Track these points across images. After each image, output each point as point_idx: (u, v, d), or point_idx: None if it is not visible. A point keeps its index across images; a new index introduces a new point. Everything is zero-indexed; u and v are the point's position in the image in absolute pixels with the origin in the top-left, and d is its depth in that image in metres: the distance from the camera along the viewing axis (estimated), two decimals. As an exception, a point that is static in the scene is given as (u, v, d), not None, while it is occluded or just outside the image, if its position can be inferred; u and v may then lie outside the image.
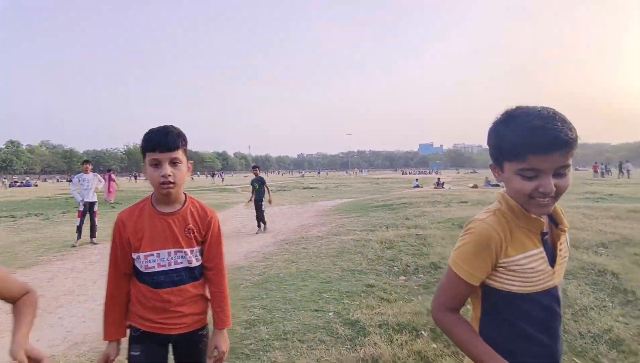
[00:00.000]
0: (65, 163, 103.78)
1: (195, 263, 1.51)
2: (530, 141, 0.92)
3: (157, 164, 1.43)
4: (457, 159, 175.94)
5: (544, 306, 1.02)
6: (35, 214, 12.75)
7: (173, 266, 1.47)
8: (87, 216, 7.81)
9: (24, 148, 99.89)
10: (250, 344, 2.97)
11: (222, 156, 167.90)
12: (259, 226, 9.36)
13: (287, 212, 12.95)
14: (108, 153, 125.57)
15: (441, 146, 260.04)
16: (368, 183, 35.13)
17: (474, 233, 1.03)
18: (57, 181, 59.03)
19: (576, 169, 71.52)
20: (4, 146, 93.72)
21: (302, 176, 75.86)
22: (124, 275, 1.50)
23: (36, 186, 43.72)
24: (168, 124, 1.50)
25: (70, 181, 10.37)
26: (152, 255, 1.46)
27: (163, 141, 1.41)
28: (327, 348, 2.83)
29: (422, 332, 2.98)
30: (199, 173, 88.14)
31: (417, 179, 29.00)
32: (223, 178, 51.58)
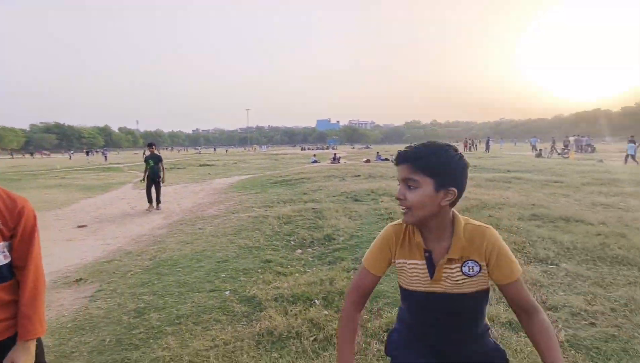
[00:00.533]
0: None
1: (3, 261, 1.30)
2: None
3: None
4: (353, 135, 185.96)
5: (424, 304, 1.28)
6: None
7: None
8: None
9: None
10: (140, 333, 2.80)
11: (105, 132, 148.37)
12: (150, 203, 8.99)
13: (182, 191, 12.24)
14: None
15: (338, 122, 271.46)
16: (267, 159, 35.03)
17: (382, 233, 1.34)
18: None
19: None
20: None
21: (199, 153, 71.88)
22: None
23: None
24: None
25: None
26: None
27: None
28: (222, 327, 2.83)
29: (315, 300, 3.18)
30: (72, 151, 75.84)
31: (314, 155, 29.93)
32: (106, 156, 45.73)
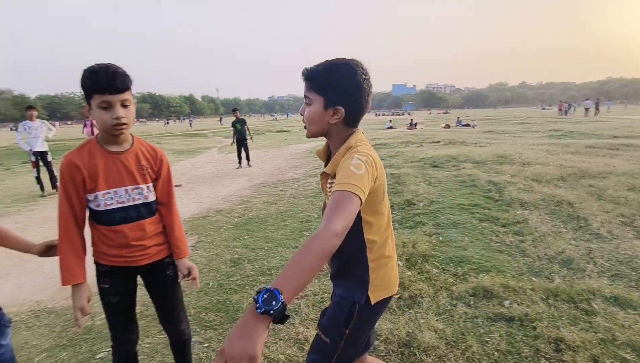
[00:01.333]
0: (18, 110, 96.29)
1: (151, 198, 1.57)
2: None
3: (107, 106, 1.38)
4: (430, 99, 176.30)
5: None
6: (-6, 165, 12.08)
7: (132, 203, 1.51)
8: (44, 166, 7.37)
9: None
10: (237, 280, 3.11)
11: (190, 100, 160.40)
12: (240, 163, 10.10)
13: (262, 156, 12.87)
14: (64, 98, 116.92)
15: (414, 86, 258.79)
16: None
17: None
18: (12, 129, 55.25)
19: (543, 108, 73.77)
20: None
21: (275, 119, 74.43)
22: (79, 218, 1.47)
23: (-12, 135, 40.72)
24: (109, 63, 1.40)
25: (16, 129, 9.58)
26: (110, 193, 1.47)
27: (113, 82, 1.36)
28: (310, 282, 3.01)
29: (399, 262, 3.20)
30: (168, 119, 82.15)
31: (390, 121, 29.14)
32: (191, 123, 49.77)
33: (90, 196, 1.46)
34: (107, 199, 1.46)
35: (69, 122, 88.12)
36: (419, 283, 2.81)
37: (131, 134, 1.55)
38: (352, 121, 1.23)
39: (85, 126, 16.95)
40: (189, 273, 1.66)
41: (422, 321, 2.35)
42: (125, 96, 1.41)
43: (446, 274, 2.98)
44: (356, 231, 1.21)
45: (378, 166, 1.16)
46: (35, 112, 7.34)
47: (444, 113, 68.78)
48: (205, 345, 2.28)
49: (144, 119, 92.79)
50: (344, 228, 0.96)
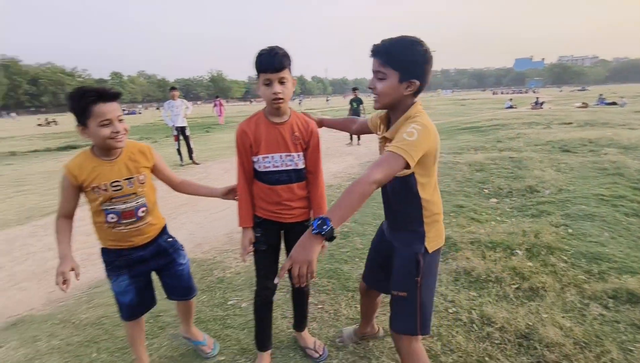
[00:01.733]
0: (161, 92, 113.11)
1: (300, 165, 1.78)
2: None
3: (268, 83, 1.62)
4: (562, 75, 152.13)
5: None
6: (146, 138, 14.52)
7: (284, 168, 1.75)
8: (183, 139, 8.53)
9: (126, 78, 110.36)
10: (347, 252, 3.26)
11: (300, 80, 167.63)
12: (351, 139, 10.87)
13: (372, 135, 12.88)
14: (195, 81, 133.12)
15: (542, 60, 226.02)
16: (452, 104, 32.78)
17: None
18: (157, 108, 65.41)
19: None
20: (109, 78, 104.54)
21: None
22: (248, 175, 1.79)
23: (140, 113, 49.06)
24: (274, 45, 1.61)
25: (159, 108, 11.27)
26: (268, 157, 1.73)
27: (272, 63, 1.58)
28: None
29: (517, 251, 2.96)
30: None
31: (510, 100, 26.18)
32: (301, 102, 52.33)
33: (254, 159, 1.75)
34: (266, 162, 1.74)
35: (198, 102, 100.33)
36: (542, 275, 2.57)
37: (290, 108, 1.78)
38: (418, 93, 1.37)
39: (215, 105, 20.24)
40: None
41: (545, 315, 2.16)
42: (283, 74, 1.61)
43: (576, 270, 2.66)
44: (414, 191, 1.39)
45: (432, 135, 1.29)
46: (177, 93, 8.53)
47: (579, 90, 58.90)
48: (319, 306, 2.48)
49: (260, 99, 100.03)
50: (382, 179, 1.20)
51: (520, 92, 67.35)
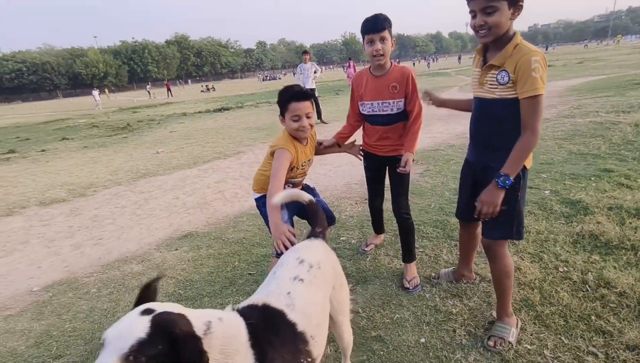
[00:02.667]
0: (298, 58, 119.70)
1: (395, 111, 2.10)
2: None
3: (371, 42, 1.98)
4: None
5: (475, 108, 1.71)
6: (283, 101, 15.95)
7: (379, 113, 2.14)
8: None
9: (269, 47, 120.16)
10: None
11: (437, 38, 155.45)
12: None
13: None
14: (329, 45, 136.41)
15: None
16: (637, 53, 26.04)
17: None
18: (293, 74, 70.00)
19: None
20: (255, 47, 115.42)
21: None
22: (357, 114, 2.25)
23: (280, 79, 53.39)
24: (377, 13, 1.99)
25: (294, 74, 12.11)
26: (368, 103, 2.15)
27: (373, 25, 1.95)
28: (536, 219, 2.81)
29: (672, 221, 2.49)
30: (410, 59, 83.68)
31: None
32: (429, 64, 49.00)
33: (360, 103, 2.20)
34: (367, 107, 2.16)
35: (331, 66, 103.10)
36: (700, 250, 2.14)
37: (391, 62, 2.09)
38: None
39: (349, 67, 21.20)
40: (405, 164, 2.03)
41: (686, 290, 1.86)
42: (383, 34, 1.96)
43: None
44: (518, 112, 1.47)
45: (545, 62, 1.41)
46: (308, 56, 9.10)
47: None
48: (421, 250, 2.61)
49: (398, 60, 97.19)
50: (541, 125, 1.45)
51: None
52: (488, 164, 1.63)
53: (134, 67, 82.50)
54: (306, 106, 1.85)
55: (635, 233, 2.40)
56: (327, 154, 2.29)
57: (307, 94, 1.87)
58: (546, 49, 67.05)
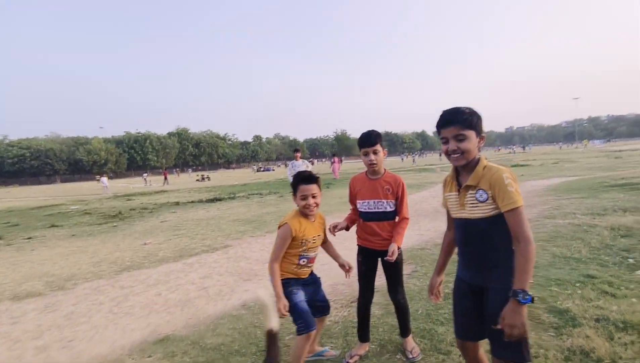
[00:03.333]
0: (292, 151, 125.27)
1: (388, 209, 2.47)
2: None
3: (366, 154, 2.45)
4: None
5: (459, 228, 1.77)
6: (275, 193, 16.35)
7: (375, 210, 2.50)
8: None
9: (264, 140, 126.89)
10: (445, 313, 3.17)
11: (422, 136, 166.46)
12: None
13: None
14: (321, 140, 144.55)
15: None
16: (604, 156, 28.07)
17: None
18: (285, 166, 73.08)
19: None
20: (252, 140, 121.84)
21: (513, 152, 67.36)
22: (353, 211, 2.67)
23: (274, 170, 55.36)
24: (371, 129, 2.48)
25: (286, 166, 12.85)
26: (365, 202, 2.53)
27: (367, 141, 2.44)
28: (526, 330, 2.75)
29: (659, 335, 2.47)
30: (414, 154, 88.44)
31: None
32: (414, 159, 52.26)
33: (357, 201, 2.57)
34: (364, 205, 2.53)
35: (323, 159, 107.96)
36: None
37: (385, 169, 2.55)
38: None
39: (334, 162, 23.35)
40: (392, 254, 2.35)
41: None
42: (375, 148, 2.43)
43: None
44: (506, 227, 1.55)
45: (514, 175, 1.58)
46: (299, 154, 9.74)
47: None
48: (408, 364, 2.49)
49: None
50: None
51: None
52: (488, 285, 1.65)
53: (134, 155, 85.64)
54: (312, 188, 2.27)
55: (626, 350, 2.35)
56: (330, 255, 2.61)
57: (313, 178, 2.29)
58: (523, 148, 71.80)
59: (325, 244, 2.56)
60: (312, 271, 2.51)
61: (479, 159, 1.66)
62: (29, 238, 8.83)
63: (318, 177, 2.34)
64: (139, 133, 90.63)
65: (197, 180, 36.61)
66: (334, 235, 2.54)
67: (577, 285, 3.50)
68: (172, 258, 6.06)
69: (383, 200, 2.45)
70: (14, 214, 14.44)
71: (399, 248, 2.43)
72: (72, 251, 7.04)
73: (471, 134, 1.62)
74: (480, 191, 1.60)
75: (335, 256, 2.57)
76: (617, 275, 3.68)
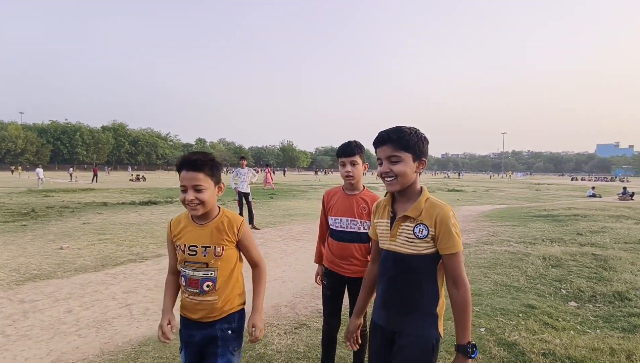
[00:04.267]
0: (236, 158, 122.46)
1: (362, 230, 2.19)
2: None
3: (343, 164, 2.23)
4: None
5: (385, 261, 1.54)
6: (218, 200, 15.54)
7: (347, 229, 2.23)
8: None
9: (208, 144, 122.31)
10: None
11: (366, 155, 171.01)
12: None
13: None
14: (267, 149, 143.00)
15: (631, 147, 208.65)
16: (526, 188, 30.94)
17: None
18: (227, 172, 70.96)
19: None
20: (194, 143, 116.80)
21: (447, 177, 71.97)
22: (324, 227, 2.40)
23: (216, 176, 53.25)
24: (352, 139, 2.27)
25: (229, 172, 12.50)
26: (338, 219, 2.26)
27: (345, 150, 2.22)
28: (478, 365, 2.65)
29: (602, 373, 2.49)
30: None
31: (593, 188, 24.02)
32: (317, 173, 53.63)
33: (330, 218, 2.32)
34: (337, 222, 2.27)
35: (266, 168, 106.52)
36: (637, 411, 2.10)
37: (363, 186, 2.30)
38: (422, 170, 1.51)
39: (267, 172, 24.87)
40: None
41: None
42: (353, 158, 2.21)
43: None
44: (435, 269, 1.44)
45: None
46: (245, 162, 9.40)
47: (680, 183, 52.24)
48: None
49: (326, 170, 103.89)
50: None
51: (605, 180, 61.80)
52: (401, 330, 1.46)
53: (60, 147, 77.71)
54: (196, 177, 1.55)
55: (574, 387, 2.32)
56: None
57: (199, 164, 1.56)
58: (459, 175, 77.53)
59: (252, 266, 1.78)
60: (216, 321, 1.63)
61: (421, 190, 1.49)
62: None
63: (211, 162, 1.61)
64: (67, 123, 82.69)
65: (131, 180, 33.98)
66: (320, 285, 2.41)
67: (520, 315, 3.54)
68: (92, 267, 5.30)
69: (357, 219, 2.19)
70: None
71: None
72: (-37, 253, 5.91)
73: (407, 156, 1.43)
74: (421, 226, 1.42)
75: (253, 295, 1.73)
76: (554, 306, 3.81)
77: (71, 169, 37.95)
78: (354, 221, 2.20)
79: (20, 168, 50.58)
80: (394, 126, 1.48)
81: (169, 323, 1.61)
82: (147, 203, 13.79)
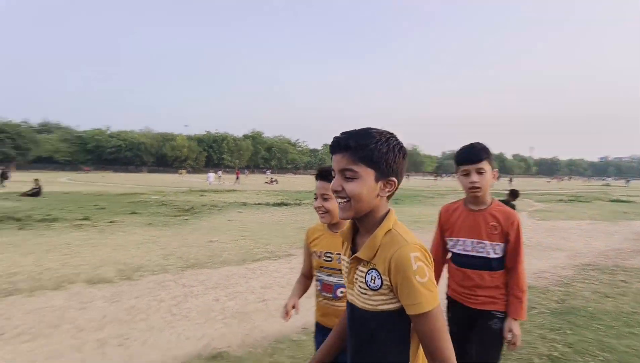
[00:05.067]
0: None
1: (492, 255, 1.78)
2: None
3: (465, 173, 1.78)
4: None
5: (347, 304, 1.16)
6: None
7: (473, 253, 1.81)
8: None
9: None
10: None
11: (499, 159, 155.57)
12: None
13: (589, 229, 10.42)
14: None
15: None
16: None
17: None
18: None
19: None
20: (321, 148, 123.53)
21: (607, 184, 59.90)
22: (442, 252, 1.95)
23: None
24: (474, 141, 1.80)
25: None
26: (459, 240, 1.86)
27: (469, 156, 1.77)
28: None
29: None
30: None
31: None
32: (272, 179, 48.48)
33: (448, 239, 1.91)
34: (459, 245, 1.86)
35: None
36: None
37: (492, 198, 1.85)
38: (394, 195, 1.09)
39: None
40: (512, 336, 1.73)
41: None
42: (480, 165, 1.74)
43: None
44: (402, 335, 1.04)
45: (430, 257, 1.02)
46: None
47: None
48: None
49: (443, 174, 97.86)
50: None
51: None
52: None
53: (212, 154, 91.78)
54: (323, 186, 1.62)
55: None
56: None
57: (326, 174, 1.61)
58: (627, 182, 64.00)
59: None
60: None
61: (386, 215, 1.07)
62: (111, 222, 9.47)
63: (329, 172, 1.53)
64: (217, 133, 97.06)
65: (266, 182, 37.78)
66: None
67: None
68: (235, 261, 5.95)
69: (486, 241, 1.77)
70: (102, 198, 15.87)
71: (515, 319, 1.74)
72: (145, 240, 7.32)
73: (367, 173, 1.01)
74: (373, 273, 1.03)
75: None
76: None
77: (219, 172, 44.23)
78: (482, 243, 1.78)
79: (184, 171, 61.17)
80: (364, 127, 1.06)
81: (294, 307, 1.70)
82: (279, 205, 15.04)
